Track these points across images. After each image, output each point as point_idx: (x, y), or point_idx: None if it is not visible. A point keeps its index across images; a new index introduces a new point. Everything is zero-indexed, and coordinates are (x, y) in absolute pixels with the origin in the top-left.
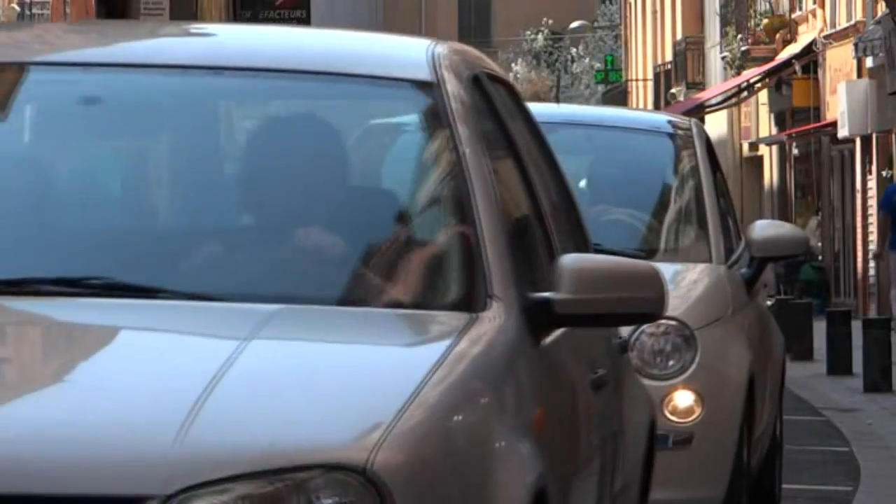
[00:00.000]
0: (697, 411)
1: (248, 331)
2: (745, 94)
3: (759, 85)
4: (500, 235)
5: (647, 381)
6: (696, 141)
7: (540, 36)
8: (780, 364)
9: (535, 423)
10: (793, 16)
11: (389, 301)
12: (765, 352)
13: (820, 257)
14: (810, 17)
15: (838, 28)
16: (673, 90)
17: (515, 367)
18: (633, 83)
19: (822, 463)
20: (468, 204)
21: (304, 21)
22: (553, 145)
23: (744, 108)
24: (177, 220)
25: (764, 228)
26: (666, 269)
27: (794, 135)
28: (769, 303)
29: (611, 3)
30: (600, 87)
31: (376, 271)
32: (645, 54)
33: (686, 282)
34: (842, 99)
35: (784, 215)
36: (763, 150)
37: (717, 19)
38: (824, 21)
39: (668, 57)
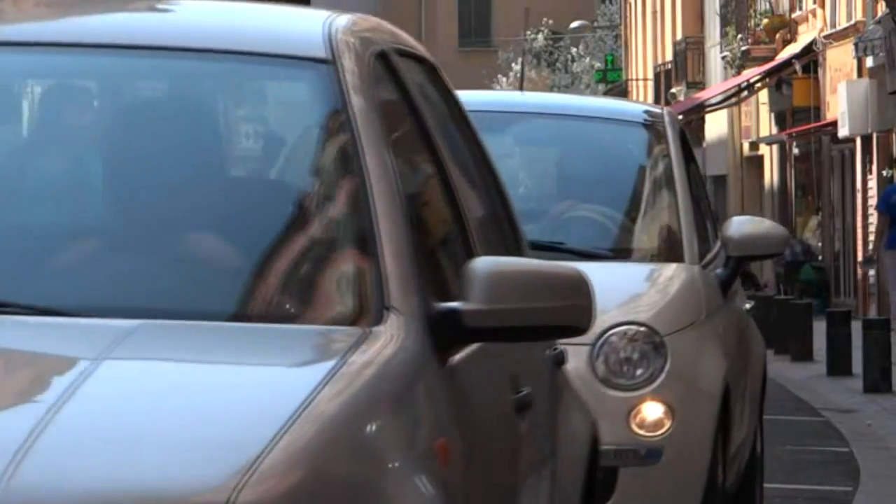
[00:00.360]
0: (667, 424)
1: (99, 350)
2: (746, 93)
3: (759, 85)
4: (400, 236)
5: (612, 392)
6: (668, 131)
7: (540, 36)
8: (761, 372)
9: (439, 453)
10: (793, 16)
11: (266, 314)
12: (742, 359)
13: (820, 257)
14: (810, 17)
15: (838, 28)
16: (673, 90)
17: (413, 390)
18: (634, 83)
19: (822, 463)
20: (363, 200)
21: None
22: (516, 137)
23: (744, 108)
24: (28, 222)
25: (741, 226)
26: (634, 269)
27: (794, 134)
28: (748, 305)
29: (611, 3)
30: (600, 87)
31: (253, 279)
32: (645, 54)
33: (656, 283)
34: (842, 99)
35: (784, 215)
36: (763, 149)
37: (717, 19)
38: (824, 21)
39: (669, 57)
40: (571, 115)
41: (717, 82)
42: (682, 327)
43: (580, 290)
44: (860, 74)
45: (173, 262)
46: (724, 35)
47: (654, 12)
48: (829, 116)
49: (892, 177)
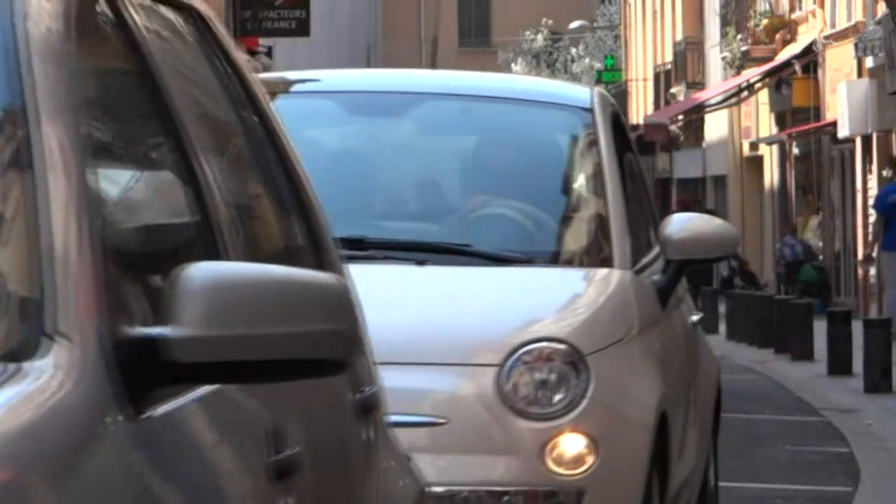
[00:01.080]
0: (590, 461)
1: None
2: (745, 94)
3: (759, 85)
4: (79, 238)
5: (524, 422)
6: (598, 115)
7: (540, 36)
8: (713, 394)
9: None
10: (793, 16)
11: None
12: (685, 380)
13: (820, 257)
14: (810, 17)
15: (838, 28)
16: (673, 90)
17: (81, 461)
18: (633, 83)
19: (822, 463)
20: (30, 188)
21: (304, 20)
22: (419, 122)
23: (744, 108)
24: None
25: (683, 224)
26: (553, 275)
27: (794, 135)
28: (696, 317)
29: (611, 3)
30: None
31: None
32: (645, 54)
33: (578, 292)
34: (842, 99)
35: (784, 215)
36: (763, 149)
37: (717, 19)
38: (824, 21)
39: (668, 57)
40: (485, 96)
41: (717, 82)
42: (608, 344)
43: (340, 309)
44: (860, 75)
45: None
46: (723, 35)
47: (654, 12)
48: (829, 117)
49: (892, 176)
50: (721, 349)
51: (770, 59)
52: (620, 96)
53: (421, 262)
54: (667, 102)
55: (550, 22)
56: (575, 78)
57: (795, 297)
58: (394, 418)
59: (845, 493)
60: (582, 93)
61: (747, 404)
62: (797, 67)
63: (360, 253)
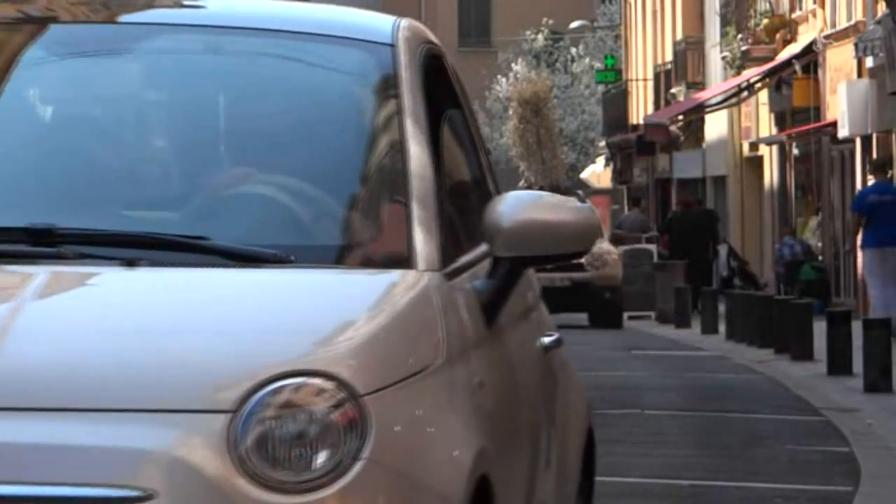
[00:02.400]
0: None
1: None
2: (745, 94)
3: (759, 85)
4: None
5: (268, 497)
6: (401, 55)
7: (540, 36)
8: (577, 442)
9: None
10: (793, 16)
11: None
12: (526, 427)
13: (820, 257)
14: (810, 17)
15: (838, 28)
16: (673, 90)
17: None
18: (634, 83)
19: (822, 463)
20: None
21: None
22: (147, 64)
23: (744, 108)
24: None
25: (517, 208)
26: (320, 280)
27: (794, 135)
28: (550, 338)
29: (611, 3)
30: (600, 87)
31: None
32: (645, 54)
33: (355, 305)
34: (842, 99)
35: (784, 215)
36: (763, 150)
37: (717, 19)
38: (824, 21)
39: (668, 57)
40: (243, 27)
41: (717, 82)
42: (398, 379)
43: None
44: (860, 75)
45: None
46: (724, 35)
47: (654, 12)
48: (829, 117)
49: (892, 177)
50: (721, 349)
51: (770, 58)
52: (621, 96)
53: (131, 263)
54: (667, 102)
55: (551, 22)
56: (575, 78)
57: (795, 297)
58: (59, 491)
59: (845, 493)
60: (381, 23)
61: (747, 404)
62: (797, 67)
63: (46, 250)
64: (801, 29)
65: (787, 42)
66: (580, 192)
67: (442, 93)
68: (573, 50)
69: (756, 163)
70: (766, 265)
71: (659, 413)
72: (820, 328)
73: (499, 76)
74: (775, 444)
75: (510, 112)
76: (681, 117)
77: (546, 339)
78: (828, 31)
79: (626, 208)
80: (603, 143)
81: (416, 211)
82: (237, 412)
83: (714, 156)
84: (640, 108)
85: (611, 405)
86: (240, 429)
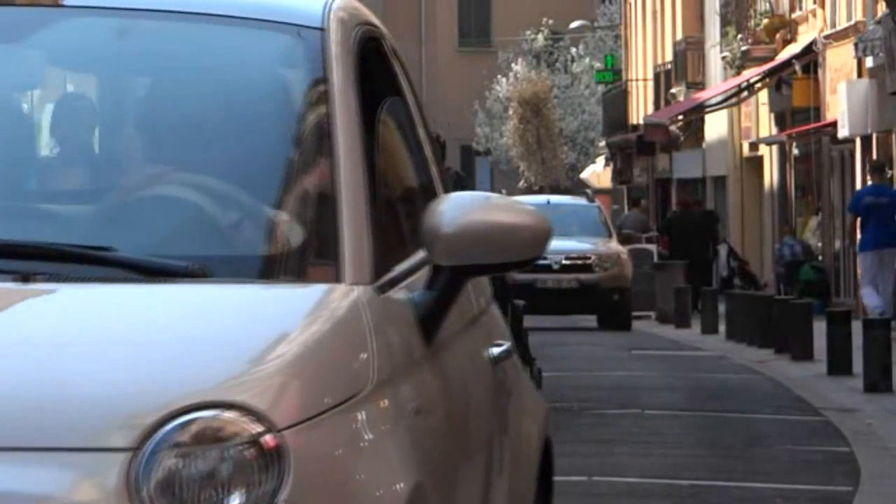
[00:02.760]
0: None
1: None
2: (745, 94)
3: (759, 85)
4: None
5: None
6: (332, 40)
7: (540, 36)
8: (529, 474)
9: None
10: (793, 16)
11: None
12: (473, 455)
13: (820, 257)
14: (810, 17)
15: (838, 28)
16: (673, 90)
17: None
18: (634, 83)
19: (822, 463)
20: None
21: None
22: (49, 50)
23: (744, 108)
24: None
25: (458, 211)
26: (233, 296)
27: (794, 135)
28: (500, 348)
29: (611, 3)
30: (600, 88)
31: None
32: (645, 54)
33: (273, 326)
34: (842, 99)
35: (784, 216)
36: (763, 150)
37: (717, 19)
38: (824, 21)
39: (668, 57)
40: (156, 10)
41: (717, 82)
42: (321, 411)
43: None
44: (860, 75)
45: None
46: (724, 35)
47: (654, 12)
48: (829, 117)
49: (892, 177)
50: (721, 349)
51: (770, 58)
52: (621, 96)
53: (26, 278)
54: (667, 102)
55: (551, 22)
56: (575, 78)
57: (795, 297)
58: None
59: (845, 493)
60: (311, 5)
61: (747, 404)
62: (797, 67)
63: None
64: (801, 29)
65: (787, 42)
66: (588, 191)
67: (381, 80)
68: (573, 50)
69: (756, 163)
70: (766, 265)
71: (659, 413)
72: (820, 328)
73: (499, 76)
74: (775, 444)
75: (510, 112)
76: (681, 117)
77: (496, 350)
78: (828, 31)
79: (626, 208)
80: (603, 143)
81: (345, 215)
82: (138, 450)
83: (714, 156)
84: (640, 108)
85: (611, 405)
86: (142, 469)
